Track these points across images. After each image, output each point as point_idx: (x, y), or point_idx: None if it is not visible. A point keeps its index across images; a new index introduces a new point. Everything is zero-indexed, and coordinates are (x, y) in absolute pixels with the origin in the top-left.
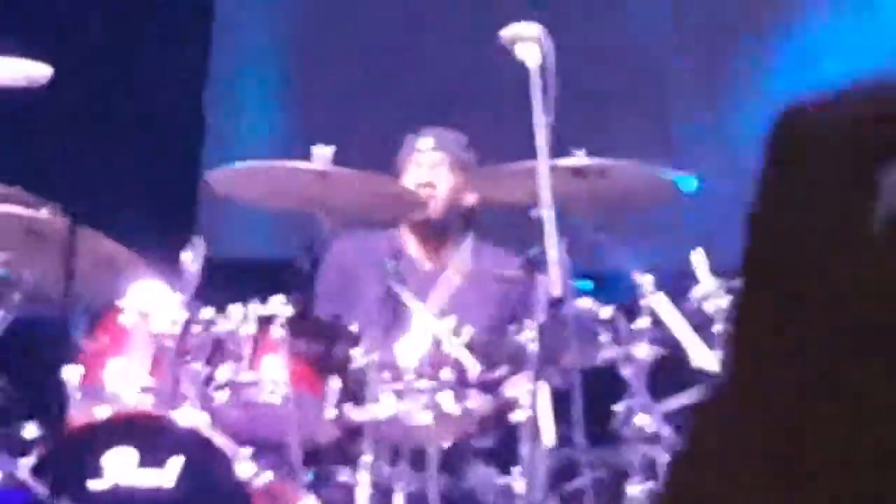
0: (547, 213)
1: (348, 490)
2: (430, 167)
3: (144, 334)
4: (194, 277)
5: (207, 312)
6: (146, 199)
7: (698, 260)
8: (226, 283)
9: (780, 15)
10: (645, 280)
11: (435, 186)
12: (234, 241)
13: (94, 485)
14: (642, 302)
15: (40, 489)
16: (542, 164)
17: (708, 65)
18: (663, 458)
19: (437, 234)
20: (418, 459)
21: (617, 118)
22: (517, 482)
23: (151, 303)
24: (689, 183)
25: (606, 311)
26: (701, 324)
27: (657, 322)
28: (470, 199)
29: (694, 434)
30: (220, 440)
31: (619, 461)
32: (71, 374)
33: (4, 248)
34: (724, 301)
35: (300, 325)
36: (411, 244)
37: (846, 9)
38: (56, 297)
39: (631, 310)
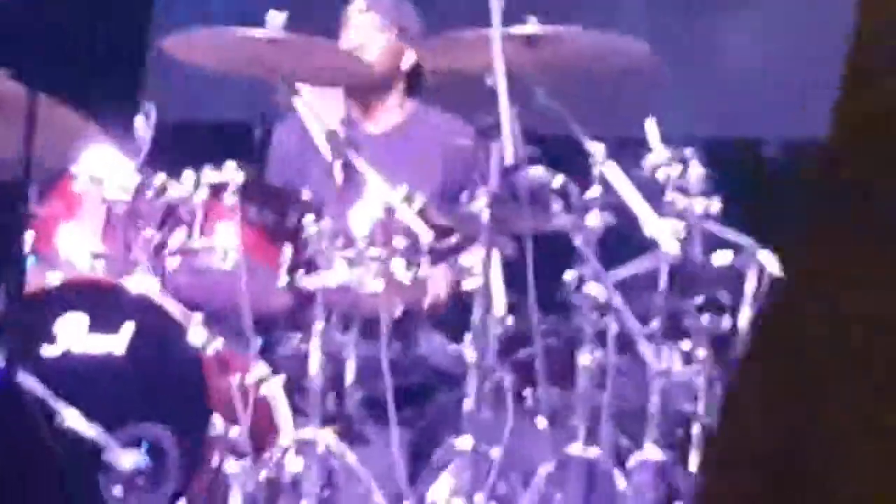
0: (499, 81)
1: (299, 357)
2: (359, 29)
3: (96, 200)
4: (146, 143)
5: (159, 178)
6: (97, 63)
7: (650, 129)
8: (178, 148)
9: None
10: (597, 148)
11: (365, 49)
12: (187, 106)
13: (46, 351)
14: (594, 170)
15: None
16: (495, 31)
17: None
18: (613, 326)
19: (375, 98)
20: (370, 327)
21: None
22: (468, 350)
23: (103, 169)
24: None
25: (558, 180)
26: (652, 193)
27: (608, 190)
28: (409, 60)
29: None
30: (172, 306)
31: (569, 329)
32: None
33: None
34: (676, 170)
35: (253, 191)
36: (353, 110)
37: None
38: (8, 162)
39: (582, 178)
